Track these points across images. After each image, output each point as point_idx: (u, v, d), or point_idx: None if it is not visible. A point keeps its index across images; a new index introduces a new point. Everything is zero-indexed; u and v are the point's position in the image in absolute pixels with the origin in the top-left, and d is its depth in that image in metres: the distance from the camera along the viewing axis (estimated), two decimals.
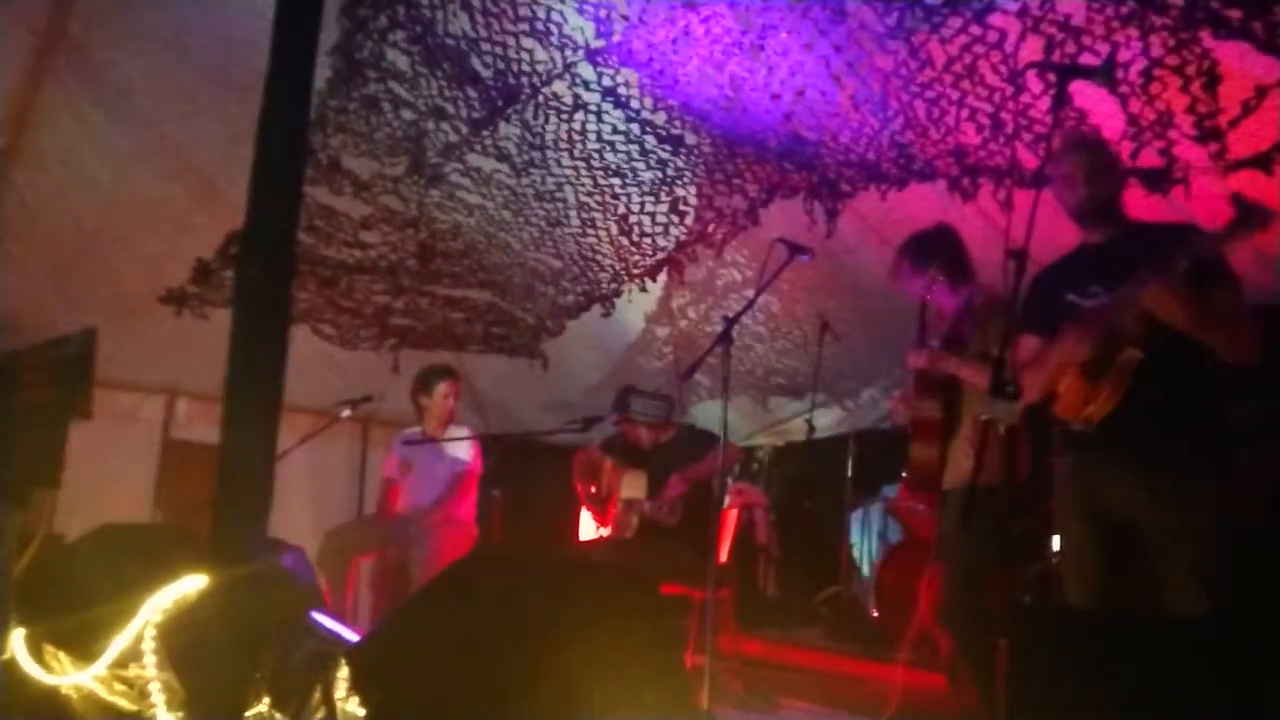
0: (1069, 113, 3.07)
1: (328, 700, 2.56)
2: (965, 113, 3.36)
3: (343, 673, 2.57)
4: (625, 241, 4.71)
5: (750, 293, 5.25)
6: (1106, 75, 2.72)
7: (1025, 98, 3.20)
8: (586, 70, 3.75)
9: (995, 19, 2.99)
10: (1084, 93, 2.99)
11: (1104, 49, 2.92)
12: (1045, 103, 3.16)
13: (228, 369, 3.03)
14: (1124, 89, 3.02)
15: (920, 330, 3.42)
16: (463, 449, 4.97)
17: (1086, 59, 2.97)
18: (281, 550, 3.26)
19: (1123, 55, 2.93)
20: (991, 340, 3.21)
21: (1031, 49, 3.03)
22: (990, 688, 3.18)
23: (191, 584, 2.86)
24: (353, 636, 2.71)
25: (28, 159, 4.50)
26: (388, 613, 4.69)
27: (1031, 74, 3.00)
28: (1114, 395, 2.53)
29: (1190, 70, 2.91)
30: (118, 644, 2.92)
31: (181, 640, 2.78)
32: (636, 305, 5.47)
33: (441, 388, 5.03)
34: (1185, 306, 2.45)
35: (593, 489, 4.96)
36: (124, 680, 3.01)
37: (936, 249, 3.44)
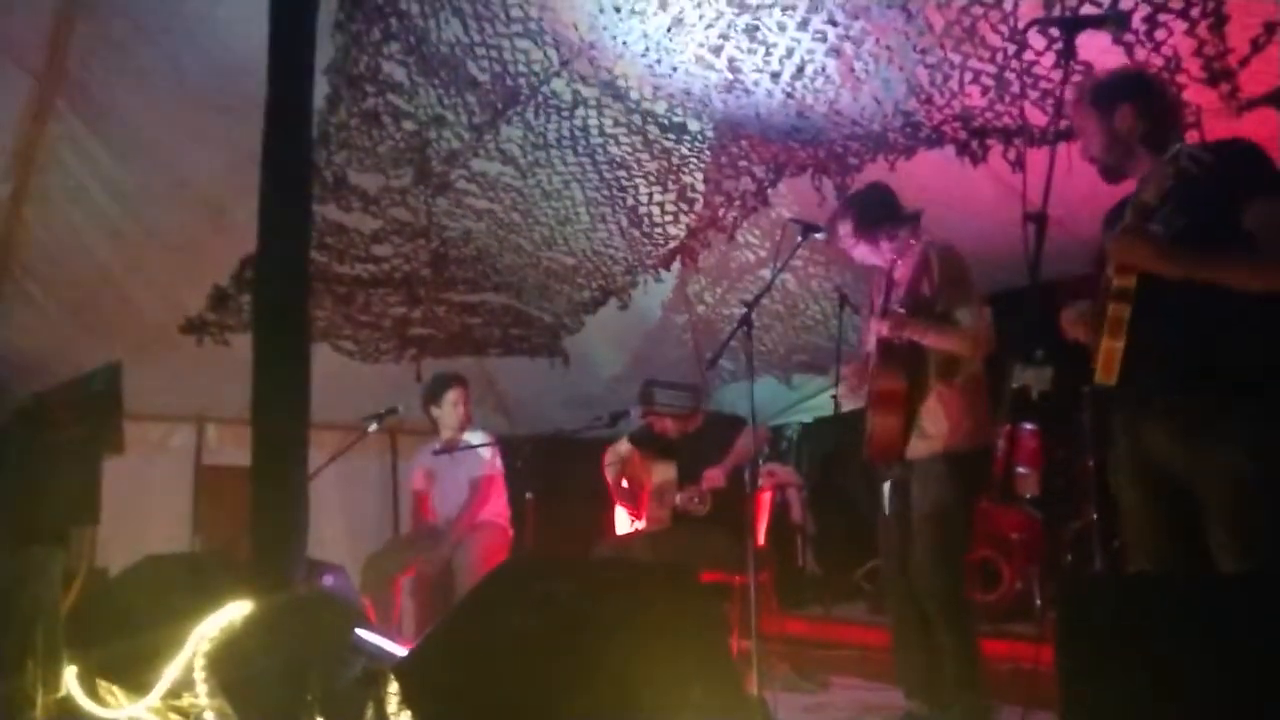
0: (1075, 66, 3.02)
1: (381, 717, 2.57)
2: (968, 75, 3.32)
3: (393, 688, 2.58)
4: (636, 233, 4.70)
5: (765, 273, 5.25)
6: (1117, 22, 2.64)
7: (1029, 55, 3.15)
8: (584, 66, 3.74)
9: None
10: (1088, 45, 2.92)
11: None
12: (1050, 59, 3.12)
13: (253, 393, 3.05)
14: (1129, 37, 2.97)
15: (884, 297, 3.35)
16: (482, 454, 4.98)
17: (1088, 10, 2.93)
18: (322, 571, 3.28)
19: (1125, 2, 2.89)
20: (955, 300, 3.19)
21: (1031, 6, 2.99)
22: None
23: (237, 610, 2.89)
24: (400, 651, 2.72)
25: (37, 198, 4.54)
26: (432, 624, 4.72)
27: (1033, 31, 2.95)
28: (1113, 352, 2.39)
29: (1195, 12, 2.86)
30: (169, 674, 2.95)
31: (231, 667, 2.81)
32: (653, 295, 5.46)
33: (450, 395, 5.03)
34: (1149, 257, 2.33)
35: (623, 484, 4.96)
36: (178, 710, 3.04)
37: (878, 210, 3.37)
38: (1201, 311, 2.36)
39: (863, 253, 3.43)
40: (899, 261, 3.38)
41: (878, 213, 3.37)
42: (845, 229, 3.40)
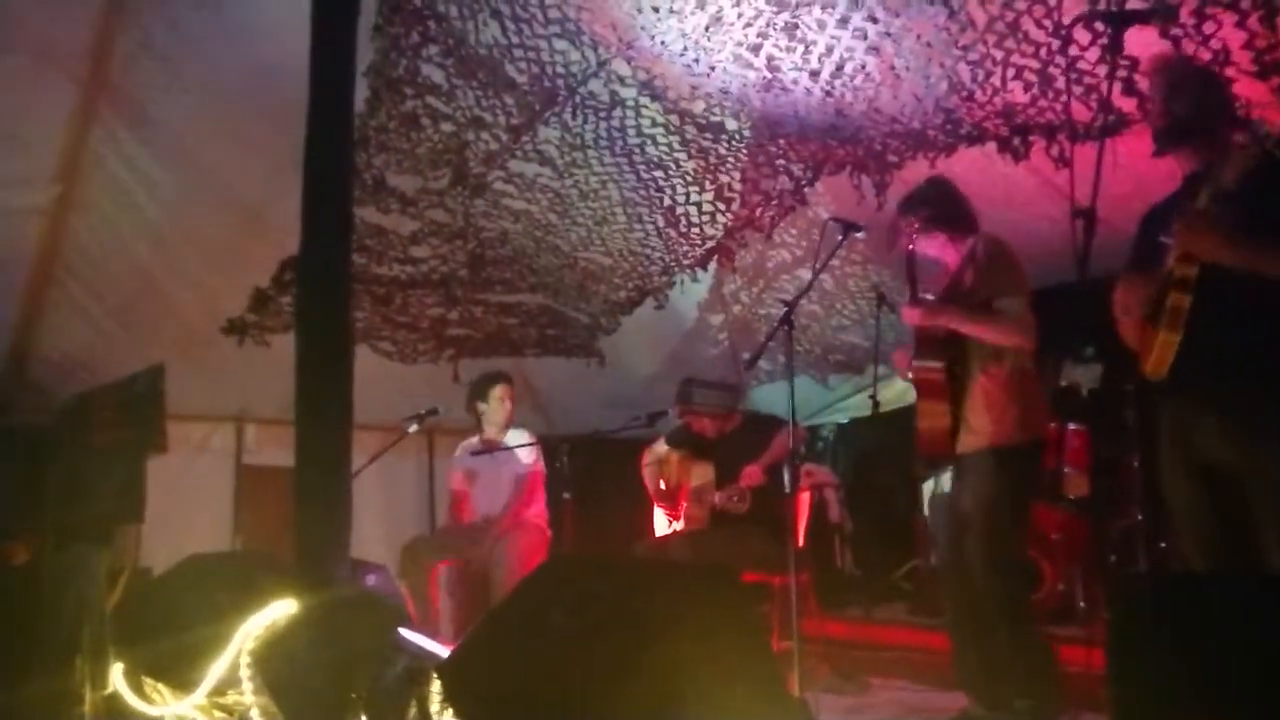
0: (1121, 61, 2.97)
1: (424, 716, 2.59)
2: (1011, 71, 3.29)
3: (436, 687, 2.60)
4: (673, 233, 4.69)
5: (801, 272, 5.23)
6: (1165, 15, 2.59)
7: (1073, 50, 3.11)
8: (621, 66, 3.74)
9: None
10: (1134, 39, 2.88)
11: None
12: (1094, 53, 3.07)
13: (296, 395, 3.08)
14: (1176, 31, 2.92)
15: (911, 285, 3.29)
16: (524, 453, 4.99)
17: (1133, 3, 2.89)
18: (365, 571, 3.30)
19: None
20: (997, 289, 3.13)
21: (1075, 0, 2.95)
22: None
23: (281, 609, 2.92)
24: (443, 651, 2.74)
25: (83, 205, 4.61)
26: (473, 623, 4.73)
27: (1079, 25, 2.91)
28: (1168, 344, 2.36)
29: (1246, 4, 2.82)
30: (215, 672, 2.99)
31: (276, 665, 2.84)
32: (689, 294, 5.45)
33: (497, 391, 5.06)
34: (1217, 245, 2.29)
35: (661, 485, 4.95)
36: (223, 708, 3.07)
37: (938, 203, 3.31)
38: (1261, 306, 2.32)
39: (923, 246, 3.36)
40: (949, 253, 3.34)
41: (944, 210, 3.31)
42: (907, 224, 3.33)
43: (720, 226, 4.65)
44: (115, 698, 3.28)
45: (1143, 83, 3.05)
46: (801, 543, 4.58)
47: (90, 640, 3.50)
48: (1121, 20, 2.49)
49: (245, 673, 2.86)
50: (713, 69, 3.65)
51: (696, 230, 4.66)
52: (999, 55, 3.23)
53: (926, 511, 5.50)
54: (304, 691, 2.71)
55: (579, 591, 2.56)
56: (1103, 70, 2.67)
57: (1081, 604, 4.70)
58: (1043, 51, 3.15)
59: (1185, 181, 2.57)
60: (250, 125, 4.18)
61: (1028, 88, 3.32)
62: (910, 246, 3.32)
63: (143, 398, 4.96)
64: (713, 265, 5.09)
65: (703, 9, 3.39)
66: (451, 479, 5.27)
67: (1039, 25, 3.06)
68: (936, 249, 3.35)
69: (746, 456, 4.54)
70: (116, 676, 3.30)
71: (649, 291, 5.19)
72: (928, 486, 5.77)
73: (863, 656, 4.61)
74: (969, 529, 3.17)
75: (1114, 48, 2.49)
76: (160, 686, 3.27)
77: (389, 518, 6.24)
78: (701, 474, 4.70)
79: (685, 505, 4.74)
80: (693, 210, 4.53)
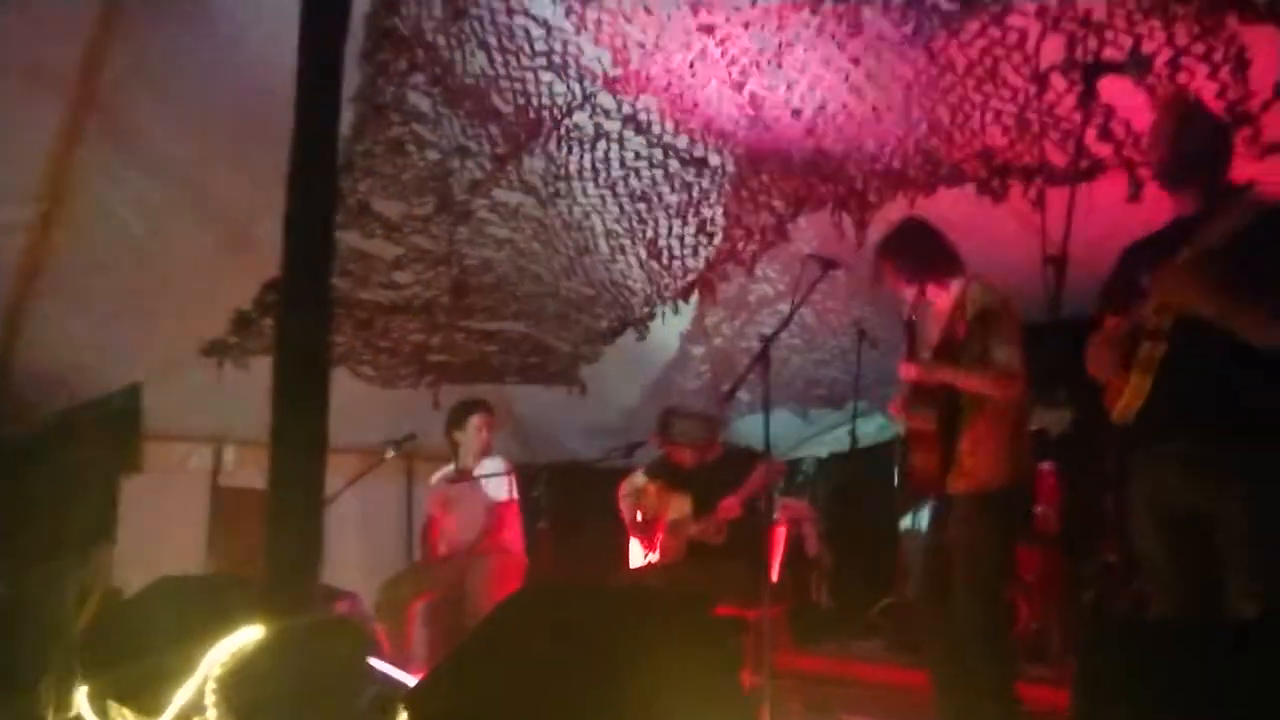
0: (1097, 108, 3.03)
1: None
2: (990, 115, 3.35)
3: (403, 717, 2.58)
4: (655, 265, 4.72)
5: (783, 306, 5.25)
6: (1139, 66, 2.65)
7: (1050, 96, 3.18)
8: (606, 99, 3.78)
9: (1014, 20, 2.98)
10: (1110, 87, 2.95)
11: (1127, 42, 2.90)
12: (1071, 100, 3.14)
13: (273, 418, 3.05)
14: (1150, 80, 2.99)
15: (910, 341, 3.29)
16: (498, 484, 4.98)
17: (1109, 53, 2.94)
18: (336, 597, 3.28)
19: (1147, 46, 2.91)
20: (991, 337, 3.12)
21: (1053, 47, 3.01)
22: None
23: (250, 635, 2.89)
24: (412, 680, 2.72)
25: (66, 221, 4.60)
26: (444, 653, 4.69)
27: (1055, 72, 2.97)
28: (1138, 390, 2.41)
29: (1218, 56, 2.88)
30: (180, 697, 2.95)
31: (242, 691, 2.81)
32: (671, 325, 5.47)
33: (474, 420, 5.04)
34: (1196, 300, 2.33)
35: (638, 516, 4.95)
36: None
37: (918, 245, 3.29)
38: (1233, 357, 2.35)
39: (906, 289, 3.34)
40: (939, 297, 3.31)
41: (919, 253, 3.28)
42: (887, 268, 3.31)
43: (703, 260, 4.69)
44: None
45: (1118, 129, 3.11)
46: (777, 576, 4.59)
47: (58, 661, 3.46)
48: (1096, 70, 2.54)
49: (210, 699, 2.84)
50: (697, 105, 3.70)
51: (679, 263, 4.69)
52: (978, 99, 3.29)
53: (905, 547, 5.52)
54: (269, 718, 2.68)
55: (552, 620, 2.56)
56: (1079, 117, 2.71)
57: (1055, 643, 4.71)
58: (1020, 96, 3.22)
59: (1173, 223, 2.58)
60: (237, 147, 4.19)
61: (1005, 131, 3.38)
62: (909, 313, 3.31)
63: (120, 417, 4.95)
64: (695, 297, 5.12)
65: (688, 46, 3.44)
66: (428, 505, 5.25)
67: (1017, 71, 3.12)
68: (920, 290, 3.35)
69: (725, 488, 4.55)
70: (81, 699, 3.26)
71: (631, 322, 5.22)
72: (906, 522, 5.80)
73: (837, 692, 4.59)
74: (957, 569, 3.18)
75: (1089, 95, 2.54)
76: (125, 711, 3.23)
77: (366, 543, 6.19)
78: (679, 506, 4.70)
79: (661, 536, 4.73)
80: (675, 243, 4.56)
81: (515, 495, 5.03)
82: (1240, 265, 2.30)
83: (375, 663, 2.79)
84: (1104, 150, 3.26)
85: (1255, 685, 1.73)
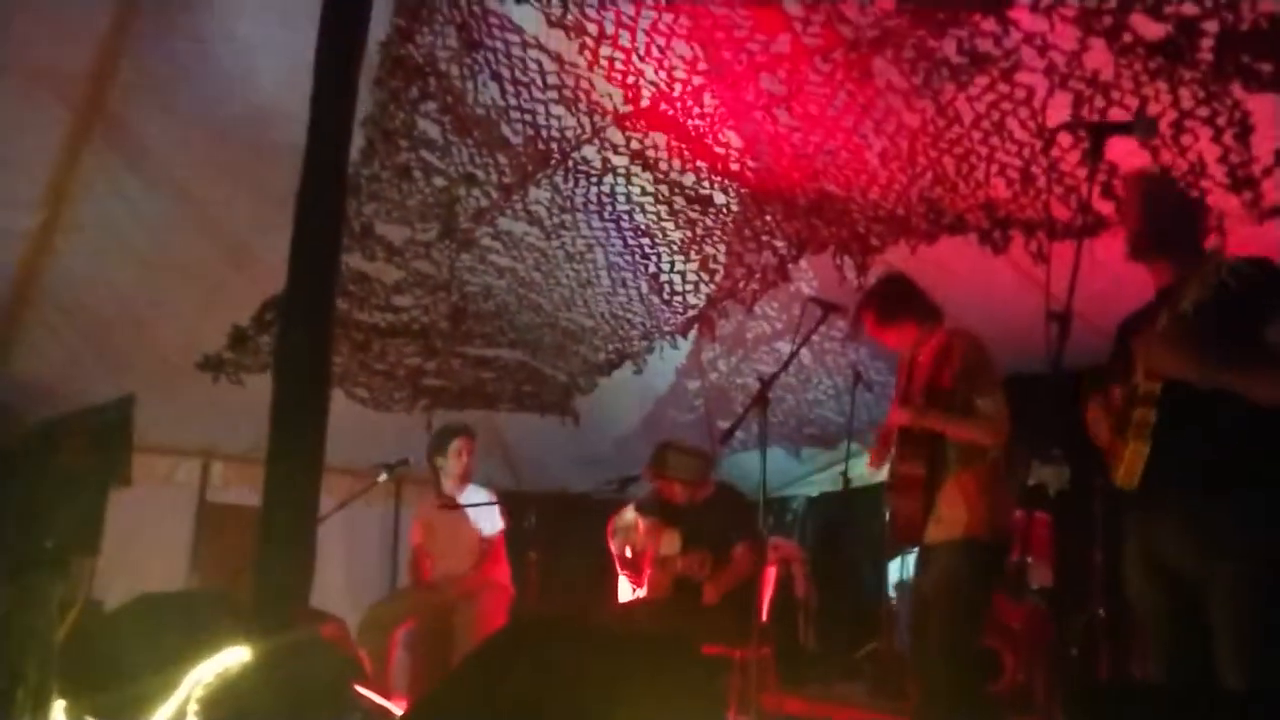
0: (1101, 166, 3.06)
1: None
2: (995, 167, 3.37)
3: None
4: (656, 300, 4.74)
5: (780, 344, 5.28)
6: (1147, 128, 2.69)
7: (1055, 152, 3.20)
8: (615, 135, 3.80)
9: (1022, 76, 3.00)
10: (1115, 146, 2.97)
11: (1133, 103, 2.93)
12: (1075, 156, 3.16)
13: (270, 437, 3.05)
14: (1155, 141, 3.02)
15: (906, 382, 3.38)
16: (488, 514, 4.95)
17: (1115, 114, 2.98)
18: (321, 622, 3.25)
19: (1152, 108, 2.94)
20: (975, 389, 3.20)
21: (1060, 104, 3.04)
22: None
23: (234, 655, 2.87)
24: (396, 710, 2.70)
25: (68, 229, 4.60)
26: (425, 680, 4.65)
27: (1062, 129, 3.00)
28: (1138, 455, 2.45)
29: (1221, 121, 2.91)
30: (161, 716, 2.92)
31: (225, 713, 2.78)
32: (667, 359, 5.48)
33: (455, 445, 5.04)
34: (1176, 366, 2.39)
35: (627, 551, 4.93)
36: None
37: (900, 298, 3.41)
38: (1221, 419, 2.39)
39: (885, 340, 3.46)
40: (921, 348, 3.39)
41: (898, 306, 3.40)
42: (868, 320, 3.43)
43: (703, 296, 4.70)
44: None
45: (1119, 187, 3.13)
46: (765, 617, 4.56)
47: (35, 674, 3.42)
48: (1102, 130, 2.57)
49: (193, 718, 2.81)
50: (704, 144, 3.72)
51: (679, 299, 4.71)
52: (984, 151, 3.31)
53: (892, 594, 5.51)
54: None
55: (537, 657, 2.54)
56: (1083, 173, 2.74)
57: (1040, 696, 4.69)
58: (1026, 151, 3.24)
59: (1157, 294, 2.65)
60: (243, 163, 4.20)
61: (1009, 184, 3.40)
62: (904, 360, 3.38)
63: (111, 428, 4.91)
64: (693, 333, 5.13)
65: (699, 89, 3.47)
66: (413, 534, 5.22)
67: (1023, 126, 3.15)
68: (899, 342, 3.43)
69: (714, 529, 4.53)
70: (58, 715, 3.22)
71: (628, 355, 5.23)
72: (894, 566, 5.79)
73: None
74: (932, 618, 3.19)
75: (1095, 154, 2.56)
76: None
77: (351, 566, 6.16)
78: (669, 542, 4.68)
79: (650, 572, 4.71)
80: (677, 279, 4.58)
81: (501, 525, 5.02)
82: (1210, 332, 2.36)
83: (360, 689, 2.76)
84: (1106, 208, 3.28)
85: None
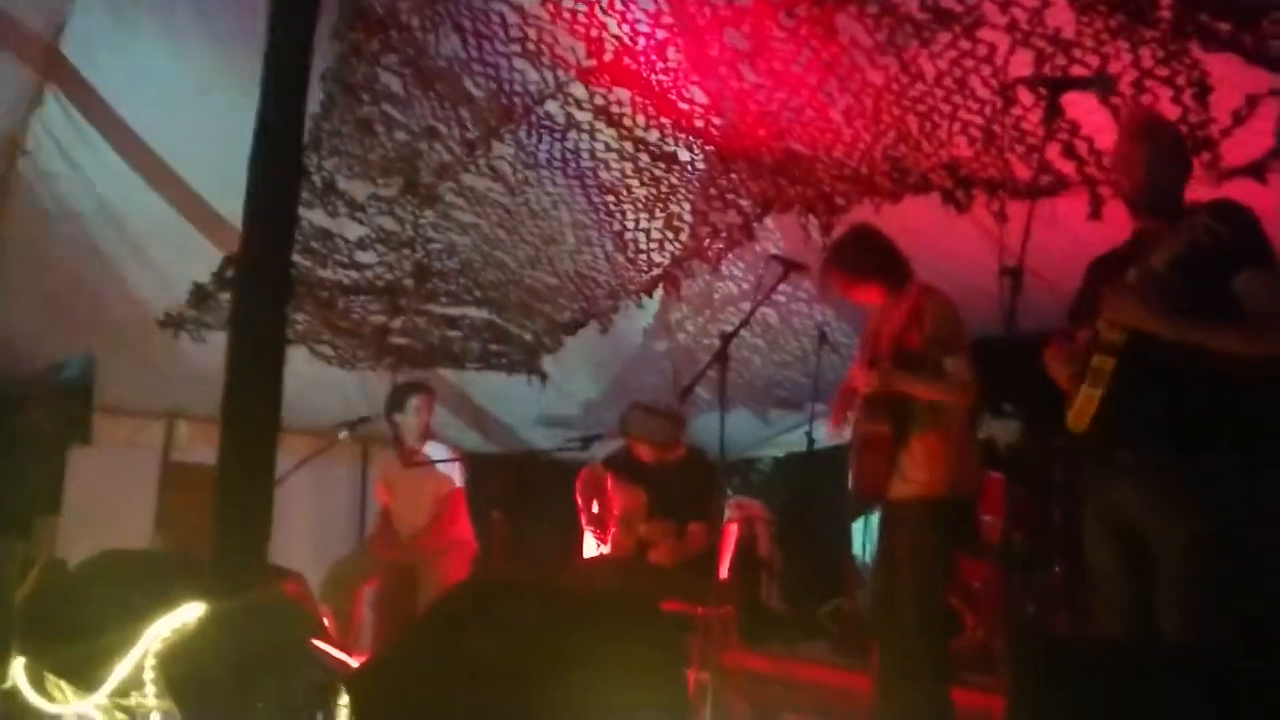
0: (1061, 124, 3.07)
1: None
2: (957, 126, 3.36)
3: (344, 700, 2.56)
4: (621, 258, 4.72)
5: (747, 305, 5.26)
6: (1105, 84, 2.68)
7: (1017, 110, 3.20)
8: (579, 90, 3.76)
9: (985, 33, 2.99)
10: (1076, 105, 2.98)
11: (1094, 61, 2.92)
12: (1037, 115, 3.14)
13: (225, 393, 3.02)
14: (1115, 100, 3.02)
15: (870, 348, 3.36)
16: (445, 469, 4.96)
17: (1077, 71, 2.97)
18: (281, 577, 3.25)
19: (1113, 67, 2.93)
20: (945, 349, 3.19)
21: (1021, 62, 3.03)
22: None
23: (192, 612, 2.86)
24: (354, 663, 2.70)
25: (23, 188, 4.52)
26: (388, 638, 4.67)
27: (1022, 87, 2.99)
28: (1090, 399, 2.45)
29: (1181, 81, 2.91)
30: (119, 673, 2.91)
31: (182, 669, 2.78)
32: (634, 320, 5.48)
33: (414, 402, 5.03)
34: (1142, 319, 2.39)
35: (594, 506, 4.94)
36: (125, 709, 2.99)
37: (869, 254, 3.36)
38: (1183, 372, 2.40)
39: (854, 297, 3.43)
40: (891, 309, 3.37)
41: (867, 261, 3.36)
42: (836, 276, 3.39)
43: (668, 255, 4.69)
44: (14, 693, 3.18)
45: (1081, 147, 3.14)
46: (727, 575, 4.60)
47: None
48: (1061, 85, 2.57)
49: (149, 675, 2.80)
50: (669, 100, 3.69)
51: (644, 257, 4.69)
52: (946, 109, 3.30)
53: (856, 551, 5.56)
54: (207, 697, 2.65)
55: (497, 615, 2.55)
56: (1043, 131, 2.74)
57: (1000, 652, 4.77)
58: (987, 109, 3.24)
59: (1134, 238, 2.63)
60: (202, 115, 4.13)
61: (972, 142, 3.40)
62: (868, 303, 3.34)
63: (72, 387, 4.85)
64: (659, 293, 5.12)
65: (663, 44, 3.44)
66: (377, 493, 5.23)
67: (985, 84, 3.14)
68: (868, 298, 3.41)
69: (680, 494, 4.54)
70: (18, 671, 3.21)
71: (594, 314, 5.21)
72: (858, 526, 5.84)
73: (781, 692, 4.62)
74: (898, 576, 3.22)
75: (1053, 110, 2.57)
76: (62, 684, 3.18)
77: (318, 526, 6.15)
78: (633, 500, 4.69)
79: (614, 530, 4.73)
80: (641, 237, 4.56)
81: (460, 483, 5.02)
82: (1181, 290, 2.37)
83: (318, 644, 2.77)
84: (1067, 167, 3.28)
85: (1184, 713, 1.76)
